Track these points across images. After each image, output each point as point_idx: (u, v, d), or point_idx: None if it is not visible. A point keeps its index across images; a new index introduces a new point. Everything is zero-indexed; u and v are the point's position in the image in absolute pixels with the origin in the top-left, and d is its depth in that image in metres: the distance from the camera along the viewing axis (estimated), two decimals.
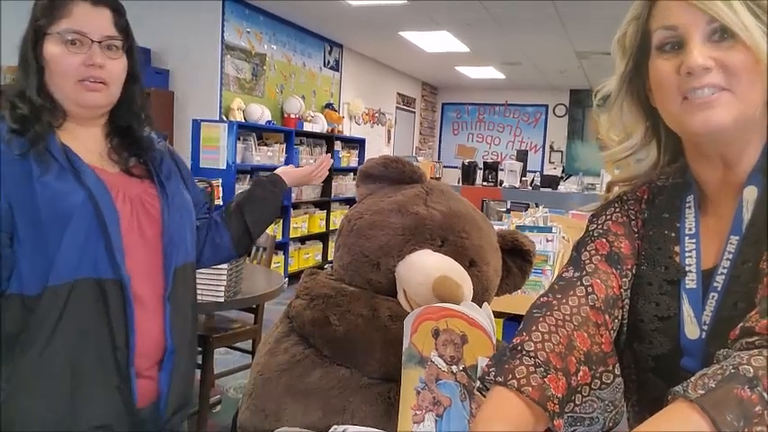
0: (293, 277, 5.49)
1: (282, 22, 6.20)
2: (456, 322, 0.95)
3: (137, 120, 1.26)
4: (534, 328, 0.78)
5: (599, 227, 0.91)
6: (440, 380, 0.96)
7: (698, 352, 0.78)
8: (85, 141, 1.20)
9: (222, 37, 5.41)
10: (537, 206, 4.45)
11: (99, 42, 1.15)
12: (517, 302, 1.79)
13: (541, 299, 0.84)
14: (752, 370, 0.58)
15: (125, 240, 1.15)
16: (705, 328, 0.78)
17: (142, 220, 1.20)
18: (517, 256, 1.49)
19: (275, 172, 1.55)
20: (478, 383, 0.78)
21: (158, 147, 1.32)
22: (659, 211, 0.89)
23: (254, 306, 3.07)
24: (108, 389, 1.14)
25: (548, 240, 2.86)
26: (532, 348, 0.75)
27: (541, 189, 7.15)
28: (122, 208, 1.17)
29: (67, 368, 1.10)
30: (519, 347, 0.76)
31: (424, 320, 0.99)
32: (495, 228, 1.49)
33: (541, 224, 3.41)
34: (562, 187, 7.37)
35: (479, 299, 1.25)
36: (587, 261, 0.87)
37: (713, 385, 0.58)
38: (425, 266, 1.22)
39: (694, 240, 0.83)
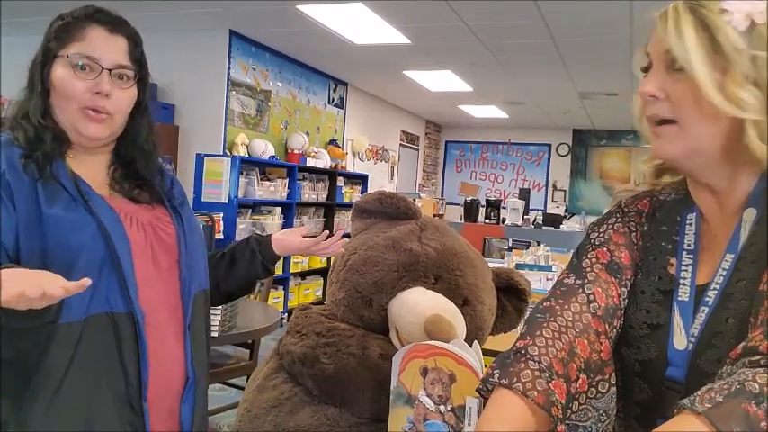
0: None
1: (288, 59, 6.29)
2: (444, 360, 0.93)
3: (141, 153, 1.21)
4: (538, 332, 0.78)
5: (600, 235, 0.92)
6: (427, 420, 0.94)
7: (683, 363, 0.79)
8: (93, 169, 1.16)
9: (228, 73, 5.49)
10: (539, 244, 4.42)
11: (109, 71, 1.11)
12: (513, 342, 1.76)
13: (544, 303, 0.84)
14: (757, 387, 0.59)
15: (139, 271, 1.09)
16: (693, 340, 0.79)
17: (156, 249, 1.15)
18: (513, 295, 1.47)
19: (274, 236, 1.38)
20: (467, 425, 0.76)
21: (167, 172, 1.27)
22: (658, 224, 0.89)
23: (250, 341, 3.03)
24: (122, 426, 1.07)
25: (548, 279, 2.83)
26: (537, 353, 0.75)
27: (544, 228, 7.12)
28: (136, 237, 1.12)
29: (80, 412, 1.04)
30: (523, 351, 0.76)
31: (412, 358, 0.97)
32: (492, 266, 1.47)
33: (542, 263, 3.38)
34: (565, 226, 7.34)
35: (473, 338, 1.23)
36: (588, 269, 0.87)
37: (720, 399, 0.59)
38: (418, 305, 1.20)
39: (692, 256, 0.84)
